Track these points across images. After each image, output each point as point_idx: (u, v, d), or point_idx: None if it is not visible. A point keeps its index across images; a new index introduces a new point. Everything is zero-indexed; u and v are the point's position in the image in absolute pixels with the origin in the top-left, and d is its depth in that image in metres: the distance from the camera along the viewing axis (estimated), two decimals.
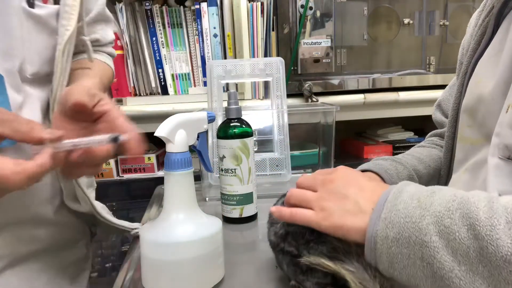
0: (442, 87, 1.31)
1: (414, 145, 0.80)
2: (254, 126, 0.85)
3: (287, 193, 0.52)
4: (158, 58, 1.35)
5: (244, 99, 1.33)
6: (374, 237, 0.41)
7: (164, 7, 1.34)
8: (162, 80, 1.36)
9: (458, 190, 0.41)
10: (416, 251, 0.38)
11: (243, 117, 0.80)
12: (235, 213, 0.78)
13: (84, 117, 0.53)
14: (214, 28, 1.32)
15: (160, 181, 1.21)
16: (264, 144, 1.04)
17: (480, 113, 0.54)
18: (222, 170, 0.78)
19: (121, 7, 1.30)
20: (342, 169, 0.51)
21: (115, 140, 0.47)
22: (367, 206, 0.43)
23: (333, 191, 0.47)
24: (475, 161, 0.54)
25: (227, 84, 1.26)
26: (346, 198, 0.45)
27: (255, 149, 0.98)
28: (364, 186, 0.47)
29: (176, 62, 1.36)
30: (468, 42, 0.64)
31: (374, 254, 0.41)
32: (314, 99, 1.31)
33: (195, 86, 1.37)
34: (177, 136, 0.54)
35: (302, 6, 1.30)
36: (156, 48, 1.35)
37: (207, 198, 0.95)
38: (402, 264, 0.39)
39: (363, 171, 0.65)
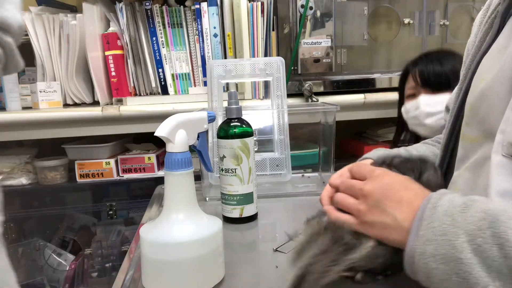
0: None
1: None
2: (255, 126, 0.85)
3: (335, 196, 0.56)
4: (158, 58, 1.35)
5: (244, 99, 1.33)
6: (413, 252, 0.44)
7: (164, 7, 1.34)
8: (162, 80, 1.36)
9: (490, 203, 0.42)
10: (452, 267, 0.40)
11: (243, 117, 0.80)
12: (235, 213, 0.78)
13: None
14: (214, 28, 1.32)
15: (160, 181, 1.22)
16: (264, 144, 1.04)
17: (482, 110, 0.54)
18: (222, 170, 0.78)
19: (121, 7, 1.30)
20: (380, 177, 0.52)
21: None
22: (405, 221, 0.46)
23: (372, 205, 0.50)
24: (476, 159, 0.54)
25: (227, 84, 1.26)
26: (385, 213, 0.48)
27: (255, 149, 0.98)
28: (402, 199, 0.49)
29: (176, 62, 1.36)
30: (473, 42, 0.64)
31: (412, 268, 0.44)
32: (314, 99, 1.31)
33: (195, 86, 1.37)
34: (177, 136, 0.54)
35: (302, 6, 1.30)
36: (156, 48, 1.35)
37: (207, 198, 0.95)
38: (439, 279, 0.42)
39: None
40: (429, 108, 1.05)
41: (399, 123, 1.24)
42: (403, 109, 1.16)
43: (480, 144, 0.54)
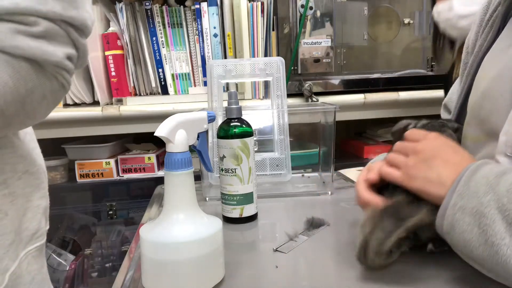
0: (442, 87, 1.31)
1: None
2: (254, 126, 0.85)
3: (386, 156, 0.61)
4: (158, 58, 1.35)
5: (244, 99, 1.33)
6: (446, 204, 0.48)
7: (164, 7, 1.34)
8: (162, 80, 1.36)
9: None
10: (476, 219, 0.45)
11: (243, 117, 0.80)
12: (235, 213, 0.78)
13: None
14: (214, 28, 1.32)
15: (160, 181, 1.21)
16: (264, 144, 1.04)
17: (485, 110, 0.54)
18: (222, 170, 0.78)
19: (121, 7, 1.30)
20: (433, 139, 0.56)
21: None
22: (448, 178, 0.50)
23: (421, 161, 0.54)
24: (478, 159, 0.55)
25: (227, 84, 1.26)
26: (431, 169, 0.52)
27: (255, 149, 0.98)
28: (449, 160, 0.52)
29: (176, 62, 1.36)
30: (473, 41, 0.64)
31: (441, 220, 0.49)
32: (314, 99, 1.31)
33: (195, 86, 1.37)
34: (177, 136, 0.54)
35: (302, 6, 1.30)
36: (156, 48, 1.35)
37: (207, 198, 0.95)
38: (462, 229, 0.46)
39: None
40: (463, 9, 0.97)
41: None
42: (434, 10, 1.09)
43: (482, 144, 0.54)
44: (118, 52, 1.34)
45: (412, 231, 0.52)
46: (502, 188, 0.44)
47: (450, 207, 0.48)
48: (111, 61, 1.33)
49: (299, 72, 1.33)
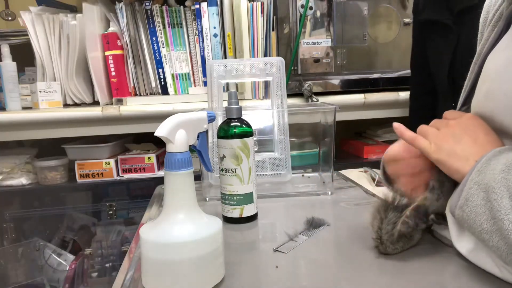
0: None
1: None
2: (255, 126, 0.85)
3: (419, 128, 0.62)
4: (158, 58, 1.35)
5: (244, 99, 1.33)
6: (466, 179, 0.50)
7: (164, 7, 1.34)
8: (162, 80, 1.36)
9: None
10: (487, 194, 0.47)
11: (243, 117, 0.80)
12: (235, 213, 0.78)
13: None
14: (214, 28, 1.32)
15: (160, 181, 1.21)
16: (264, 144, 1.04)
17: (488, 110, 0.54)
18: (222, 170, 0.78)
19: (121, 7, 1.30)
20: (467, 118, 0.57)
21: None
22: (473, 156, 0.52)
23: (451, 134, 0.55)
24: None
25: (227, 84, 1.26)
26: (458, 143, 0.54)
27: (255, 149, 0.98)
28: (478, 139, 0.54)
29: (176, 62, 1.36)
30: (479, 40, 0.65)
31: (459, 194, 0.51)
32: (314, 99, 1.31)
33: (195, 86, 1.37)
34: (177, 136, 0.54)
35: (302, 6, 1.30)
36: (156, 48, 1.35)
37: (207, 198, 0.95)
38: (475, 203, 0.48)
39: None
40: None
41: None
42: None
43: None
44: (118, 52, 1.34)
45: (412, 219, 0.57)
46: None
47: (469, 182, 0.49)
48: (111, 61, 1.33)
49: (299, 72, 1.33)
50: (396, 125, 0.61)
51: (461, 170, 0.52)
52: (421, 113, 1.13)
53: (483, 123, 0.56)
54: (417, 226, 0.60)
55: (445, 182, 0.58)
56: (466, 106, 0.64)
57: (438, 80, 1.09)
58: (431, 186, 0.59)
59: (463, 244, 0.55)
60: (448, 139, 0.55)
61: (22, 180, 1.32)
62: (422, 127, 0.60)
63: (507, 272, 0.48)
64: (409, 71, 1.28)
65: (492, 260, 0.50)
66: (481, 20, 0.66)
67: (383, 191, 0.63)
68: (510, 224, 0.44)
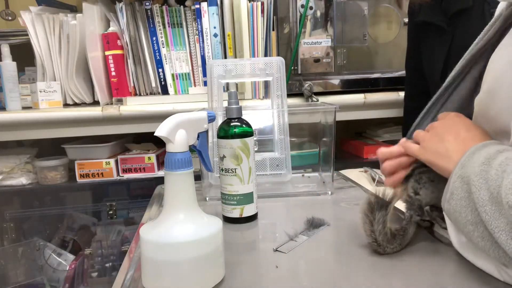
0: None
1: None
2: (255, 126, 0.85)
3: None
4: (158, 58, 1.35)
5: (244, 99, 1.33)
6: (451, 176, 0.52)
7: (164, 7, 1.34)
8: (162, 80, 1.36)
9: None
10: (469, 187, 0.48)
11: (243, 117, 0.80)
12: (235, 213, 0.78)
13: None
14: (214, 27, 1.32)
15: (160, 181, 1.22)
16: (264, 144, 1.04)
17: (492, 109, 0.54)
18: (222, 169, 0.78)
19: (121, 7, 1.30)
20: (450, 117, 0.60)
21: None
22: (455, 154, 0.54)
23: (435, 135, 0.59)
24: None
25: (227, 83, 1.26)
26: (441, 143, 0.57)
27: (256, 149, 0.98)
28: (459, 136, 0.56)
29: (176, 61, 1.36)
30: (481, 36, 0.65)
31: (447, 188, 0.52)
32: (314, 99, 1.31)
33: (195, 86, 1.37)
34: (177, 136, 0.54)
35: (302, 6, 1.30)
36: (156, 48, 1.35)
37: (207, 198, 0.95)
38: (459, 196, 0.50)
39: None
40: None
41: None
42: None
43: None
44: (118, 52, 1.34)
45: (395, 214, 0.60)
46: (496, 162, 0.47)
47: (453, 176, 0.51)
48: (111, 61, 1.33)
49: (299, 72, 1.33)
50: (379, 151, 0.67)
51: (446, 167, 0.54)
52: (416, 113, 1.14)
53: (465, 119, 0.59)
54: (411, 218, 0.62)
55: (426, 172, 0.61)
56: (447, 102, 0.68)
57: (431, 81, 1.10)
58: (408, 174, 0.63)
59: (462, 240, 0.55)
60: (433, 139, 0.58)
61: (22, 180, 1.32)
62: (416, 133, 0.63)
63: (503, 266, 0.48)
64: None
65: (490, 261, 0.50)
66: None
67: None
68: (486, 216, 0.45)
